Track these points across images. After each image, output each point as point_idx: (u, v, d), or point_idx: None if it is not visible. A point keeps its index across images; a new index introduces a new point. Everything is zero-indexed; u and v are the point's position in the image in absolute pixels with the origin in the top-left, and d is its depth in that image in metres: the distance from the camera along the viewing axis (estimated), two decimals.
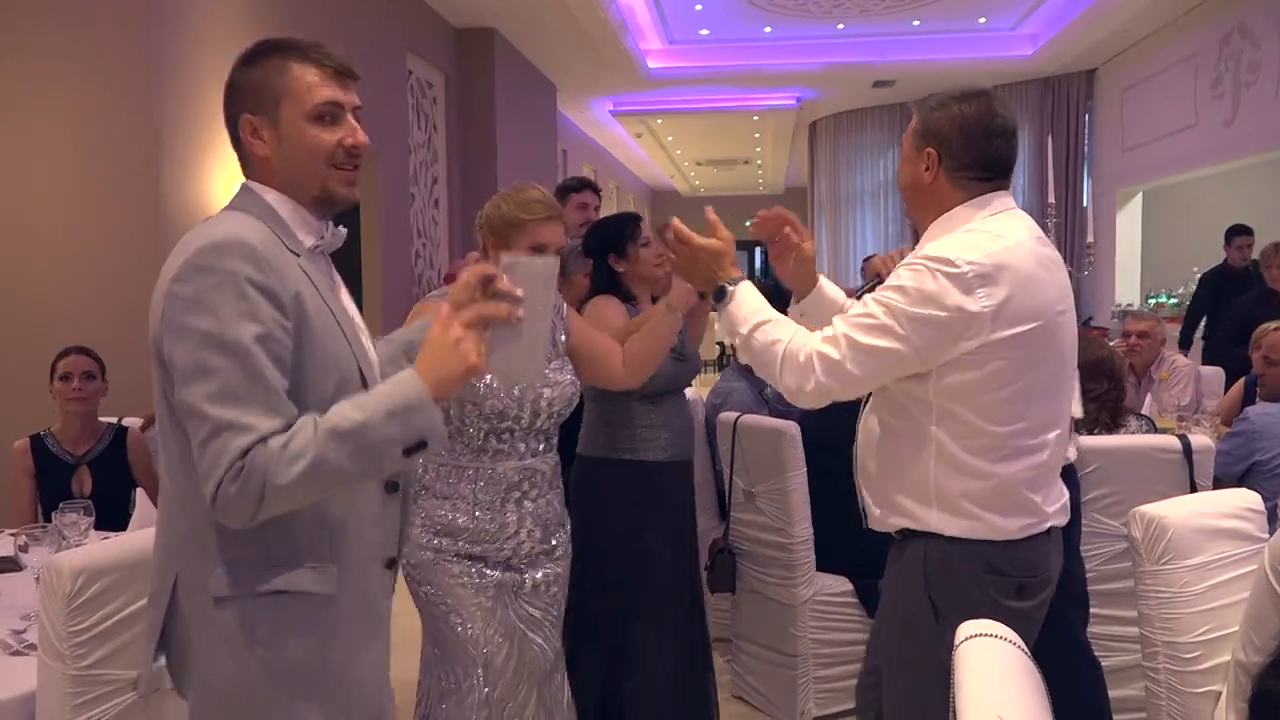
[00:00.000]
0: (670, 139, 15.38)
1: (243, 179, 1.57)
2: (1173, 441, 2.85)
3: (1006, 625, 1.85)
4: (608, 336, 2.50)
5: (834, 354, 1.80)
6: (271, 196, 1.53)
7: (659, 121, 13.65)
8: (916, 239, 2.00)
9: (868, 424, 2.00)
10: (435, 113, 8.22)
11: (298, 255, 1.49)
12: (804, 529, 3.36)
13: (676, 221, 2.06)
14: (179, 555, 1.49)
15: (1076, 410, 2.27)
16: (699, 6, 9.14)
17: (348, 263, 6.81)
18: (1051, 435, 1.87)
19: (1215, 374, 5.27)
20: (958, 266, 1.77)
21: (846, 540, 2.92)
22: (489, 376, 2.07)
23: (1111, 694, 2.78)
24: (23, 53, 4.45)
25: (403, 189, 7.35)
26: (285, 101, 1.50)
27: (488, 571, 2.27)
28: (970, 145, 1.88)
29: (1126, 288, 10.20)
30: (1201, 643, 1.89)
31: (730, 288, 1.97)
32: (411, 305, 2.65)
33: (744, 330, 1.93)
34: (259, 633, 1.47)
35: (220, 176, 4.84)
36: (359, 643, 1.56)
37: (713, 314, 2.16)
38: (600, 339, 2.46)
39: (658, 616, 2.86)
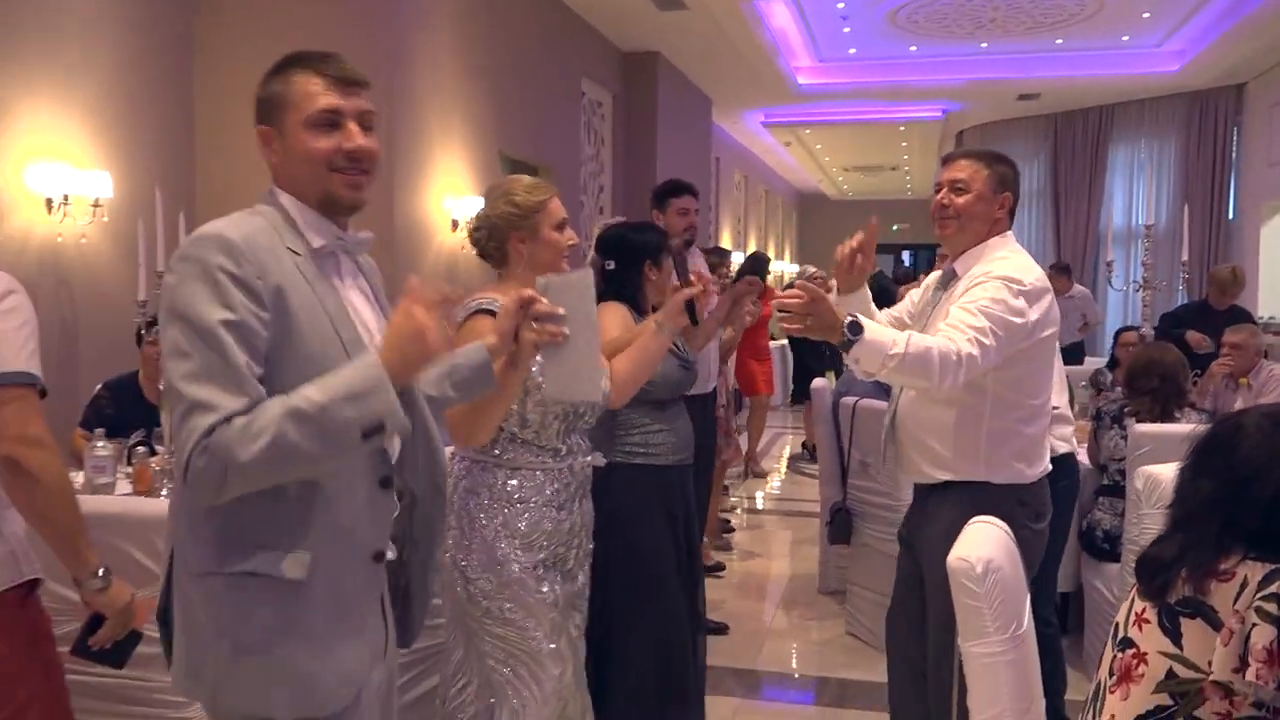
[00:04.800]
0: (819, 147, 15.98)
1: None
2: None
3: (1032, 543, 2.58)
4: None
5: (975, 353, 2.31)
6: (286, 200, 1.59)
7: (808, 131, 14.29)
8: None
9: (915, 405, 2.59)
10: (603, 128, 9.17)
11: (298, 254, 1.53)
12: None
13: (810, 280, 2.41)
14: (174, 528, 1.58)
15: (1061, 401, 2.98)
16: (847, 29, 9.79)
17: None
18: (1052, 401, 2.67)
19: None
20: (1025, 285, 2.45)
21: None
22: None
23: None
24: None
25: (574, 197, 8.32)
26: (289, 110, 1.56)
27: (558, 586, 2.29)
28: (1017, 197, 2.64)
29: (1272, 300, 10.30)
30: None
31: (860, 323, 2.22)
32: None
33: (897, 350, 2.23)
34: (223, 611, 1.50)
35: (435, 193, 5.86)
36: (326, 634, 1.53)
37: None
38: None
39: (650, 609, 2.88)
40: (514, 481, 2.25)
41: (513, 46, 7.01)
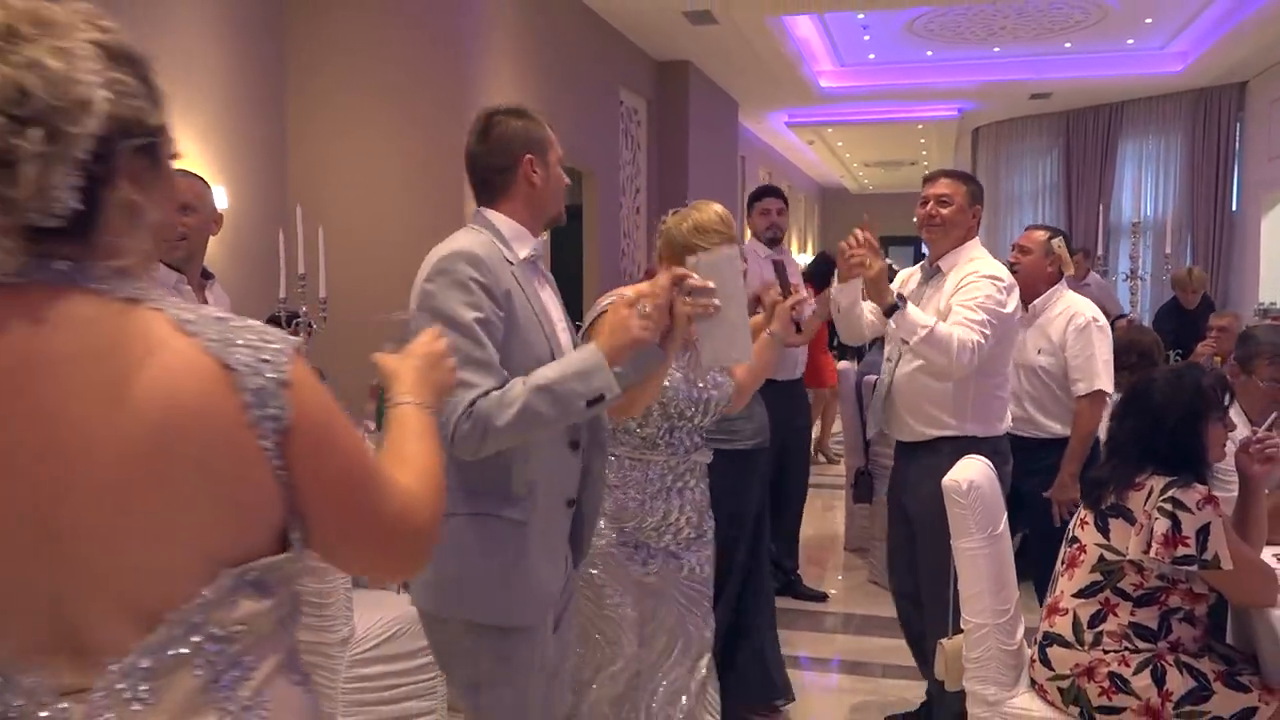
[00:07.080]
0: (840, 144, 16.59)
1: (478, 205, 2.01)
2: None
3: (998, 480, 3.17)
4: None
5: (982, 341, 2.87)
6: (499, 220, 1.98)
7: (830, 130, 14.91)
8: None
9: (910, 376, 3.11)
10: (639, 134, 9.84)
11: (512, 264, 1.92)
12: None
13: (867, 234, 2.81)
14: None
15: (1108, 385, 3.53)
16: (867, 37, 10.42)
17: (573, 255, 8.50)
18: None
19: None
20: (1005, 282, 3.08)
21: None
22: (667, 379, 2.35)
23: None
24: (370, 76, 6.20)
25: (613, 199, 9.00)
26: (551, 150, 2.03)
27: (651, 560, 2.51)
28: (983, 209, 3.25)
29: (1272, 287, 10.86)
30: None
31: (906, 298, 2.90)
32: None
33: (928, 326, 2.82)
34: (463, 542, 1.90)
35: None
36: (540, 559, 1.95)
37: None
38: None
39: (736, 584, 3.18)
40: (607, 466, 2.39)
41: (560, 62, 7.68)
